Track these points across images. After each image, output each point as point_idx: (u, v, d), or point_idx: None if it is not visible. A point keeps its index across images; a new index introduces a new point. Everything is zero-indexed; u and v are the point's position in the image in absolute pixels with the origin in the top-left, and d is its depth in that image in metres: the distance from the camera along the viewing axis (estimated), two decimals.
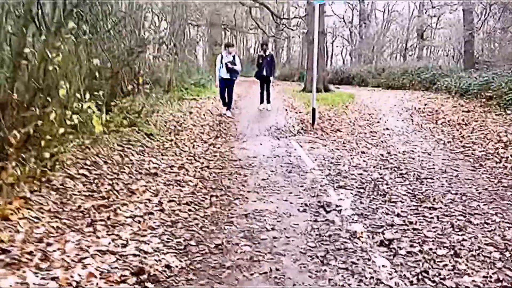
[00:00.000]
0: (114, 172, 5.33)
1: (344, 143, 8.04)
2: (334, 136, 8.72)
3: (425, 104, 14.06)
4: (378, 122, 10.47)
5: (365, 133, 9.02)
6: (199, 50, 35.24)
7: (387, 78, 23.46)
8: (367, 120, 10.83)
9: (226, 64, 10.70)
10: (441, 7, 35.79)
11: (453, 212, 4.46)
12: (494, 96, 13.38)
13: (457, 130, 9.28)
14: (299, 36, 39.14)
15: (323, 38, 19.57)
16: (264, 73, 12.14)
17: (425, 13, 37.33)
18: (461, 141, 8.18)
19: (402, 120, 10.82)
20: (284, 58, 41.14)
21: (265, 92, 12.47)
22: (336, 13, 39.04)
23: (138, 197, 4.51)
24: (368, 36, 36.10)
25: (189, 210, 4.28)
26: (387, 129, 9.52)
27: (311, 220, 4.19)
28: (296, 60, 38.41)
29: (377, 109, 12.86)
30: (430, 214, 4.42)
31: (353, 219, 4.26)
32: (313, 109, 9.86)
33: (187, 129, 8.85)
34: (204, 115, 10.97)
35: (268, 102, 12.59)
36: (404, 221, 4.22)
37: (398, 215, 4.37)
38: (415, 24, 36.14)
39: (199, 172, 5.70)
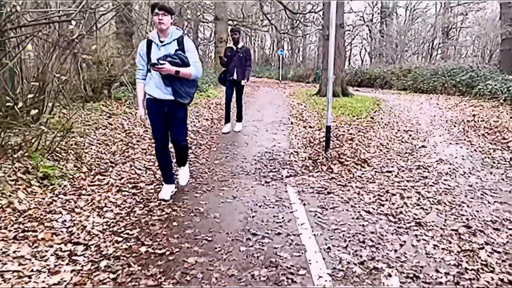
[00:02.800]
0: None
1: (380, 194, 4.45)
2: (360, 175, 5.13)
3: (473, 115, 10.32)
4: (423, 146, 6.82)
5: (411, 170, 5.40)
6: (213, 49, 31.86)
7: (415, 80, 19.63)
8: (406, 141, 7.18)
9: (153, 64, 3.77)
10: (468, 4, 31.67)
11: None
12: None
13: None
14: (315, 34, 35.42)
15: (341, 33, 15.90)
16: (235, 75, 7.53)
17: (451, 11, 33.28)
18: None
19: (457, 143, 7.13)
20: (300, 57, 37.42)
21: (232, 105, 7.85)
22: (355, 10, 35.22)
23: None
24: (390, 35, 32.16)
25: None
26: (441, 161, 5.87)
27: None
28: (312, 59, 34.69)
29: (414, 122, 9.19)
30: None
31: None
32: (328, 128, 6.28)
33: (129, 160, 5.38)
34: None
35: (240, 119, 8.09)
36: None
37: None
38: (441, 22, 32.01)
39: None
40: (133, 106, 9.69)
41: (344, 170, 5.31)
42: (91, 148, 5.67)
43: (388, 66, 24.78)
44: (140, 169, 5.04)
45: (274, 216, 3.75)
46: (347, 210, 3.96)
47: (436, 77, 18.62)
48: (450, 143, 7.07)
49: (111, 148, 5.91)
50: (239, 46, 7.55)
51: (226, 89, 7.74)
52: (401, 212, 3.91)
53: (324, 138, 6.79)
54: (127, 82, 12.04)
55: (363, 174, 5.17)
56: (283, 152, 6.28)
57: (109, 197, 4.04)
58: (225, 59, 7.51)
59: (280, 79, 27.36)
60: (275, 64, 33.30)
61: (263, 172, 5.17)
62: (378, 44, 32.24)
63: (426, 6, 34.93)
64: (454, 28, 33.57)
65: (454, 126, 8.83)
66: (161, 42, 3.90)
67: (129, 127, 7.38)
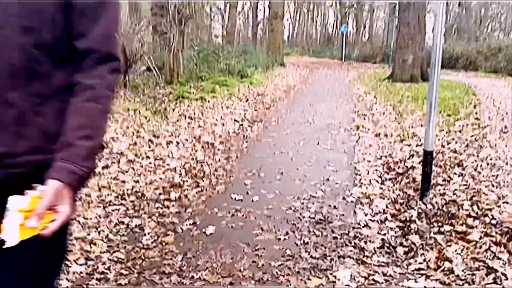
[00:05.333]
0: None
1: None
2: None
3: None
4: None
5: None
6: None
7: (509, 61, 15.45)
8: None
9: None
10: None
11: None
12: None
13: None
14: (384, 9, 30.99)
15: (422, 3, 12.32)
16: None
17: None
18: None
19: None
20: (366, 35, 33.23)
21: None
22: None
23: None
24: (471, 8, 27.10)
25: None
26: None
27: None
28: (380, 37, 30.44)
29: None
30: None
31: None
32: (429, 156, 3.27)
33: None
34: (176, 148, 4.83)
35: None
36: None
37: None
38: None
39: None
40: (147, 98, 7.17)
41: (474, 266, 2.34)
42: None
43: (471, 44, 20.36)
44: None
45: None
46: None
47: None
48: None
49: None
50: None
51: None
52: None
53: (411, 158, 3.87)
54: (154, 67, 9.56)
55: None
56: (343, 197, 3.39)
57: None
58: None
59: (343, 59, 23.83)
60: (338, 43, 29.59)
61: (297, 271, 2.33)
62: (458, 18, 27.26)
63: None
64: None
65: None
66: None
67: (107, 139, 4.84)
